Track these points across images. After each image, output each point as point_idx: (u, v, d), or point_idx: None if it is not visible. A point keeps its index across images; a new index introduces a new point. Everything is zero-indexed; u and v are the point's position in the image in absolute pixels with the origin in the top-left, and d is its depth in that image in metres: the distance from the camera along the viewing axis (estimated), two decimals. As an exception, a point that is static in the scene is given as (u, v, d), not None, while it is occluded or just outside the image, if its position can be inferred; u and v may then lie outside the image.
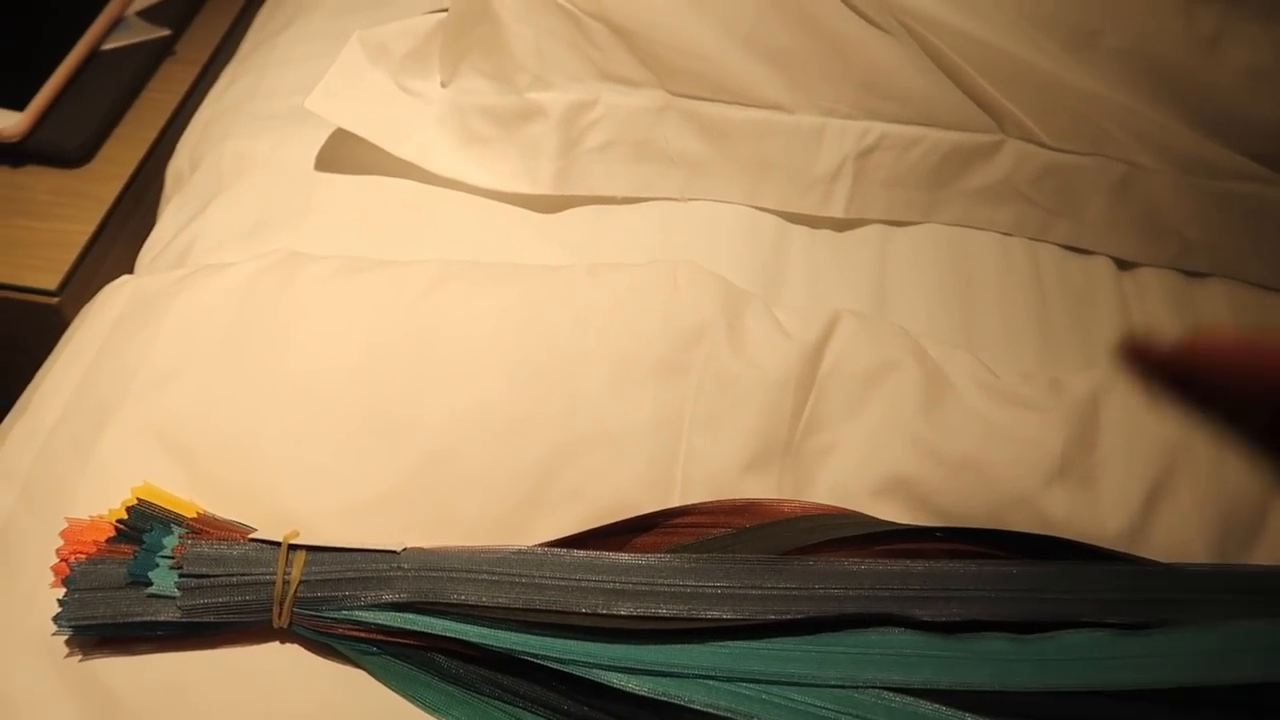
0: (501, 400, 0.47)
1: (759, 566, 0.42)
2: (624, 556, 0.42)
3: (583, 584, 0.41)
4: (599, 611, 0.40)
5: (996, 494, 0.46)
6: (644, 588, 0.41)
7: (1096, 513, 0.45)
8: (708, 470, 0.46)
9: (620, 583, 0.41)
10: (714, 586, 0.41)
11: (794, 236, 0.62)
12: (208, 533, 0.41)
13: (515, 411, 0.47)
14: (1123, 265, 0.63)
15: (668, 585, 0.41)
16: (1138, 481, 0.46)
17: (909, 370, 0.49)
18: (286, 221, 0.60)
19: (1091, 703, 0.40)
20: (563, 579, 0.41)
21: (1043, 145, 0.62)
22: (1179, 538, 0.46)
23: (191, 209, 0.64)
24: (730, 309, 0.50)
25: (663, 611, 0.40)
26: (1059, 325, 0.59)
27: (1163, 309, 0.61)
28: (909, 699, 0.39)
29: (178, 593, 0.39)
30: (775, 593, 0.41)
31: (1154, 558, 0.45)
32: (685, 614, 0.41)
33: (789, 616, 0.41)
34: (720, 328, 0.49)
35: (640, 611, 0.40)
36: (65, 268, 0.69)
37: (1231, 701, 0.40)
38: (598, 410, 0.47)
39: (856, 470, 0.47)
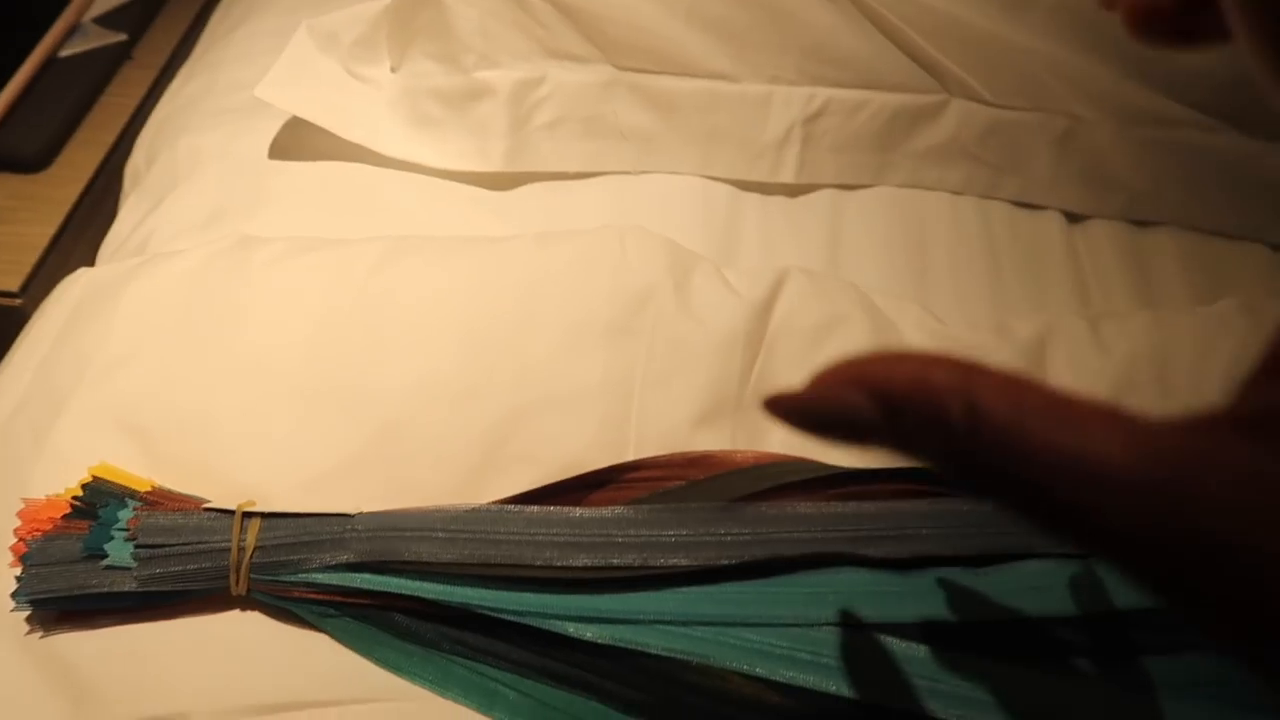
0: (453, 368, 0.47)
1: (712, 514, 0.42)
2: (578, 510, 0.42)
3: (537, 538, 0.41)
4: (554, 564, 0.41)
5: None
6: (599, 539, 0.42)
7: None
8: (660, 429, 0.47)
9: (575, 535, 0.42)
10: (668, 535, 0.42)
11: (747, 204, 0.63)
12: (162, 504, 0.42)
13: (467, 379, 0.47)
14: (1073, 218, 0.64)
15: (622, 536, 0.42)
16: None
17: (858, 322, 0.50)
18: (242, 210, 0.61)
19: (1049, 630, 0.41)
20: (517, 534, 0.41)
21: (986, 103, 0.63)
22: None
23: (148, 204, 0.64)
24: (678, 270, 0.51)
25: (617, 561, 0.41)
26: (1011, 280, 0.60)
27: (1113, 259, 0.62)
28: (862, 634, 0.40)
29: (133, 564, 0.40)
30: (729, 539, 0.42)
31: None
32: (640, 563, 0.41)
33: (743, 560, 0.41)
34: (668, 288, 0.50)
35: (596, 562, 0.41)
36: (26, 269, 0.69)
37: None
38: (549, 375, 0.47)
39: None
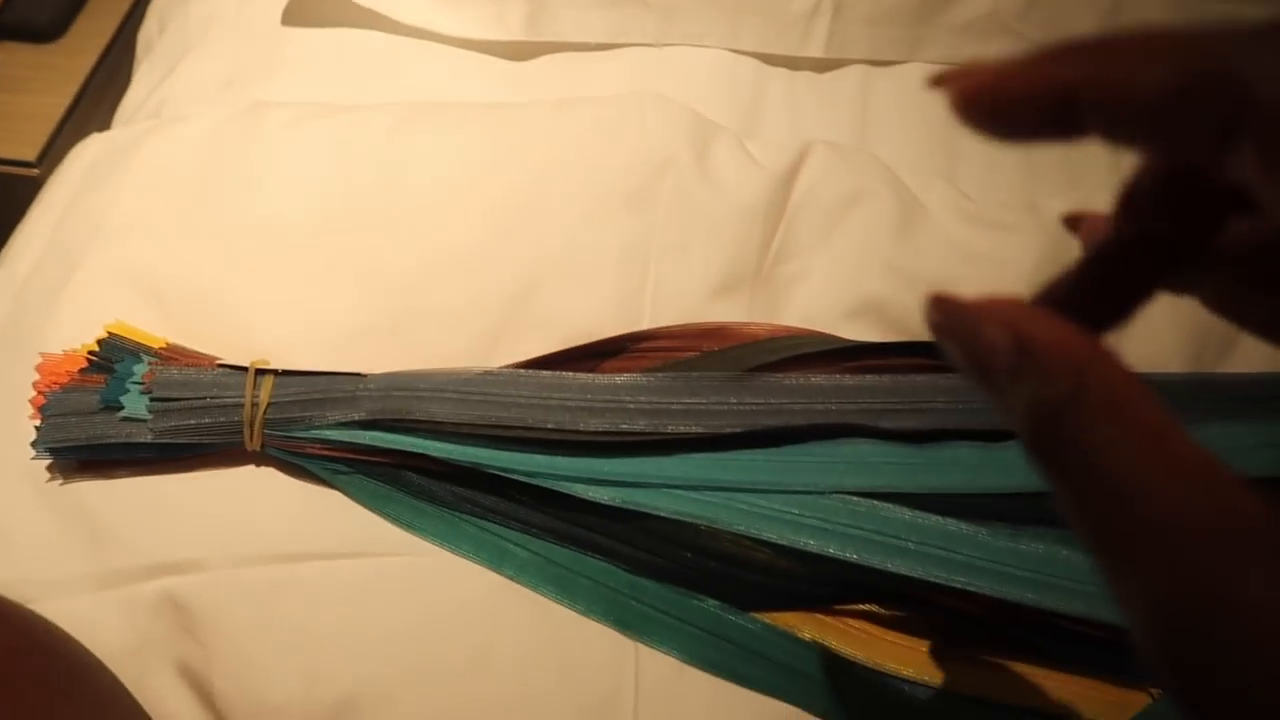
0: (469, 235, 0.47)
1: (725, 383, 0.42)
2: (591, 376, 0.42)
3: (549, 402, 0.41)
4: (566, 427, 0.41)
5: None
6: (611, 405, 0.41)
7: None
8: (676, 298, 0.46)
9: (587, 401, 0.42)
10: (680, 403, 0.42)
11: (773, 80, 0.61)
12: (176, 360, 0.42)
13: (483, 246, 0.46)
14: (1113, 100, 0.61)
15: (634, 402, 0.42)
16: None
17: (883, 197, 0.48)
18: (255, 77, 0.60)
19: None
20: (529, 397, 0.41)
21: (1029, -26, 0.60)
22: (1154, 350, 0.45)
23: (161, 71, 0.63)
24: (699, 139, 0.49)
25: (627, 427, 0.41)
26: (1045, 160, 0.58)
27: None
28: (873, 502, 0.40)
29: (149, 416, 0.40)
30: (740, 407, 0.42)
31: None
32: (651, 429, 0.41)
33: (753, 429, 0.41)
34: (688, 158, 0.48)
35: (607, 427, 0.41)
36: (43, 139, 0.69)
37: None
38: (565, 242, 0.47)
39: (827, 295, 0.47)
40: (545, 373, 0.42)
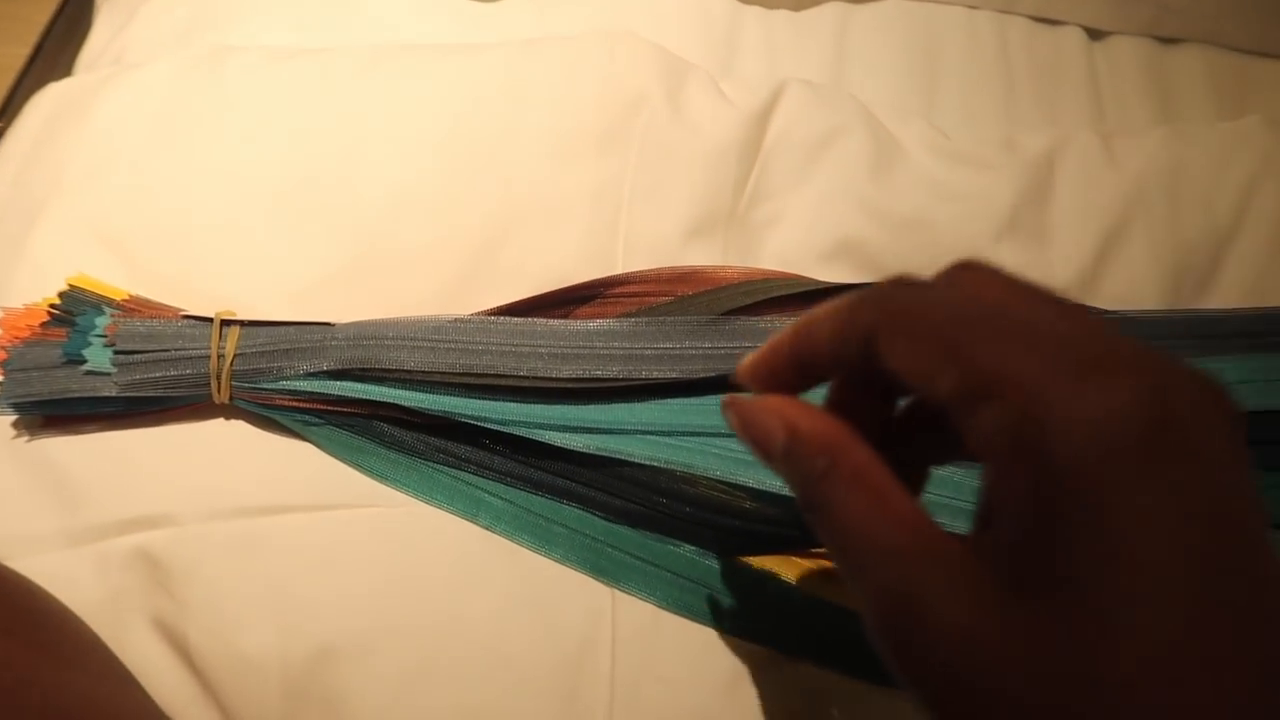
0: (438, 179, 0.46)
1: (699, 327, 0.42)
2: (564, 322, 0.42)
3: (521, 349, 0.41)
4: (539, 374, 0.40)
5: (945, 251, 0.45)
6: (584, 351, 0.41)
7: (1046, 265, 0.45)
8: (649, 242, 0.45)
9: (560, 347, 0.41)
10: (654, 348, 0.41)
11: (748, 18, 0.60)
12: (140, 312, 0.41)
13: (452, 189, 0.46)
14: (1094, 35, 0.60)
15: (607, 348, 0.41)
16: (1090, 234, 0.45)
17: (858, 136, 0.47)
18: (216, 22, 0.58)
19: None
20: (501, 344, 0.41)
21: (1011, -95, 0.58)
22: (1131, 287, 0.45)
23: (121, 18, 0.62)
24: (670, 78, 0.48)
25: (601, 373, 0.40)
26: (1024, 98, 0.57)
27: (1134, 78, 0.58)
28: None
29: (113, 369, 0.39)
30: (715, 351, 0.41)
31: (1105, 307, 0.44)
32: (625, 374, 0.40)
33: (726, 373, 0.41)
34: (659, 97, 0.47)
35: (580, 374, 0.40)
36: (3, 92, 0.67)
37: None
38: (536, 185, 0.46)
39: (803, 236, 0.46)
40: (517, 320, 0.42)
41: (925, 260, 0.45)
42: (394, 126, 0.47)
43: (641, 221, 0.45)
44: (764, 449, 0.26)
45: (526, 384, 0.40)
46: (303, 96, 0.48)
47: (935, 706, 0.21)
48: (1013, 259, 0.45)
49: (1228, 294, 0.45)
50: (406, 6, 0.58)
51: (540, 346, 0.41)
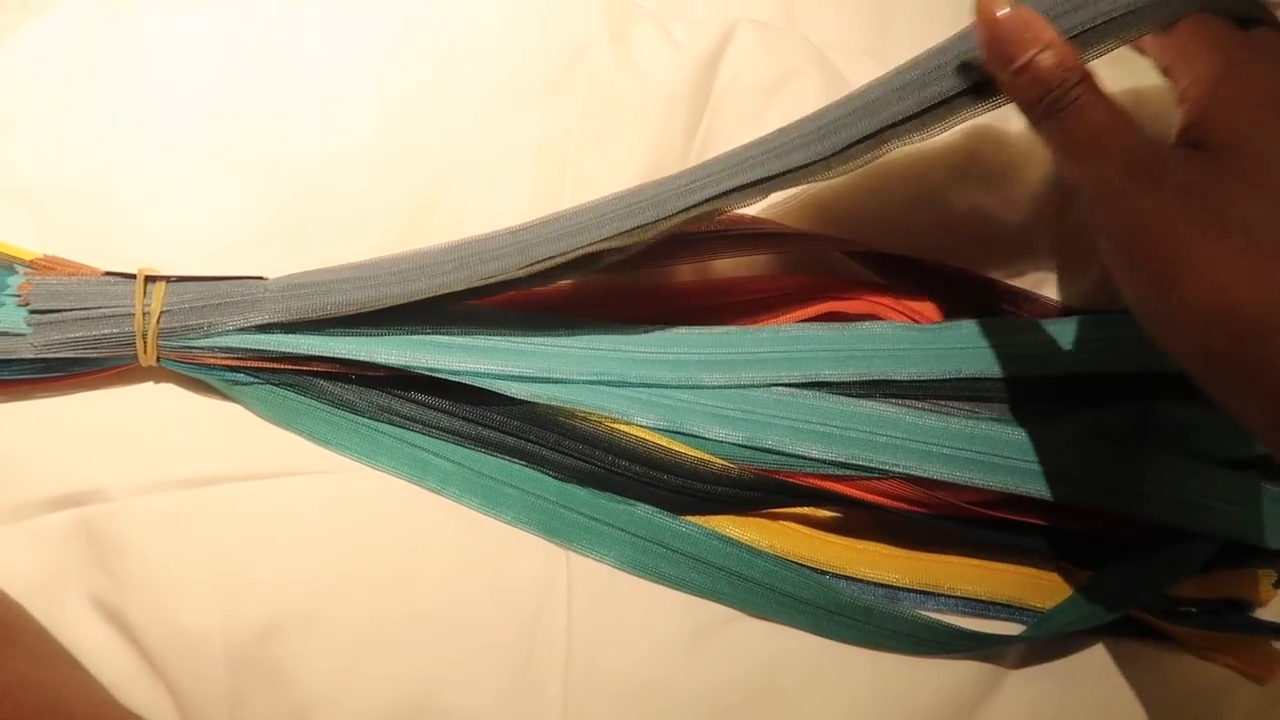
0: (374, 129, 0.44)
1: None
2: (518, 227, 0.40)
3: (469, 259, 0.38)
4: (493, 279, 0.38)
5: (899, 195, 0.44)
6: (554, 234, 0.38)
7: (1004, 206, 0.44)
8: (598, 193, 0.43)
9: (511, 242, 0.39)
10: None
11: (696, -41, 0.58)
12: (56, 270, 0.39)
13: (389, 141, 0.43)
14: (1047, -25, 0.59)
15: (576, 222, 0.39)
16: (1048, 177, 0.45)
17: (810, 78, 0.46)
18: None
19: (1000, 387, 0.40)
20: (444, 259, 0.39)
21: None
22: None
23: (28, -42, 0.58)
24: (615, 21, 0.46)
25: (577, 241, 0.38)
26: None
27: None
28: (796, 390, 0.39)
29: (28, 329, 0.37)
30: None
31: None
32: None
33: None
34: (605, 41, 0.45)
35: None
36: (-98, 41, 0.62)
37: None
38: (476, 136, 0.44)
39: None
40: (452, 240, 0.39)
41: (877, 204, 0.44)
42: (326, 73, 0.44)
43: (590, 173, 0.44)
44: (1016, 48, 0.30)
45: (466, 284, 0.37)
46: (223, 40, 0.45)
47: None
48: (968, 200, 0.44)
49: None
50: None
51: (489, 247, 0.38)
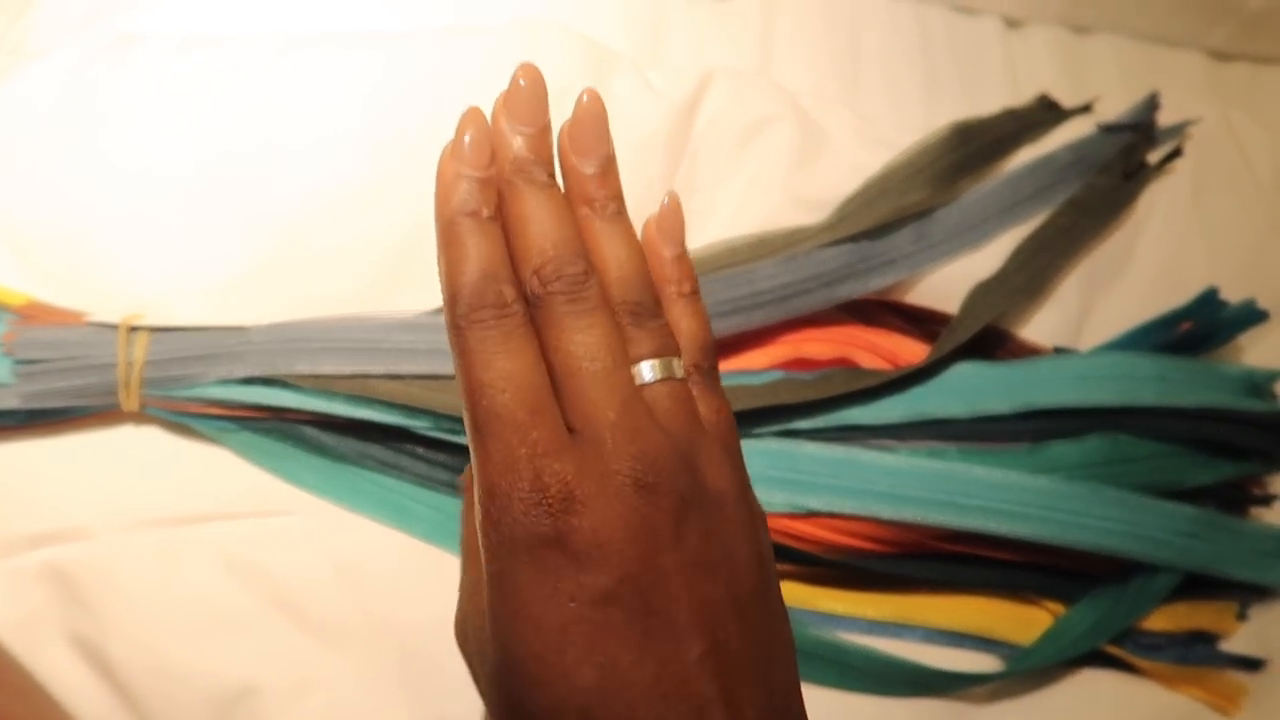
0: (358, 173, 0.44)
1: None
2: None
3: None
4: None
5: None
6: None
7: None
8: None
9: None
10: None
11: (673, 6, 0.59)
12: (40, 319, 0.39)
13: (371, 185, 0.44)
14: (1011, 24, 0.61)
15: None
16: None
17: (785, 124, 0.48)
18: (123, 6, 0.55)
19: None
20: (430, 342, 0.40)
21: (928, -106, 0.59)
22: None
23: (19, 3, 0.58)
24: (596, 70, 0.47)
25: None
26: (945, 85, 0.58)
27: (1049, 66, 0.60)
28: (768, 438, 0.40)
29: (14, 380, 0.37)
30: None
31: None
32: None
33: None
34: (584, 87, 0.46)
35: None
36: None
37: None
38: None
39: (733, 228, 0.46)
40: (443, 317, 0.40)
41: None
42: (310, 119, 0.45)
43: (569, 216, 0.44)
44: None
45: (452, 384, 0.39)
46: (214, 87, 0.46)
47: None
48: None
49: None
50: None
51: None
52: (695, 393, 0.27)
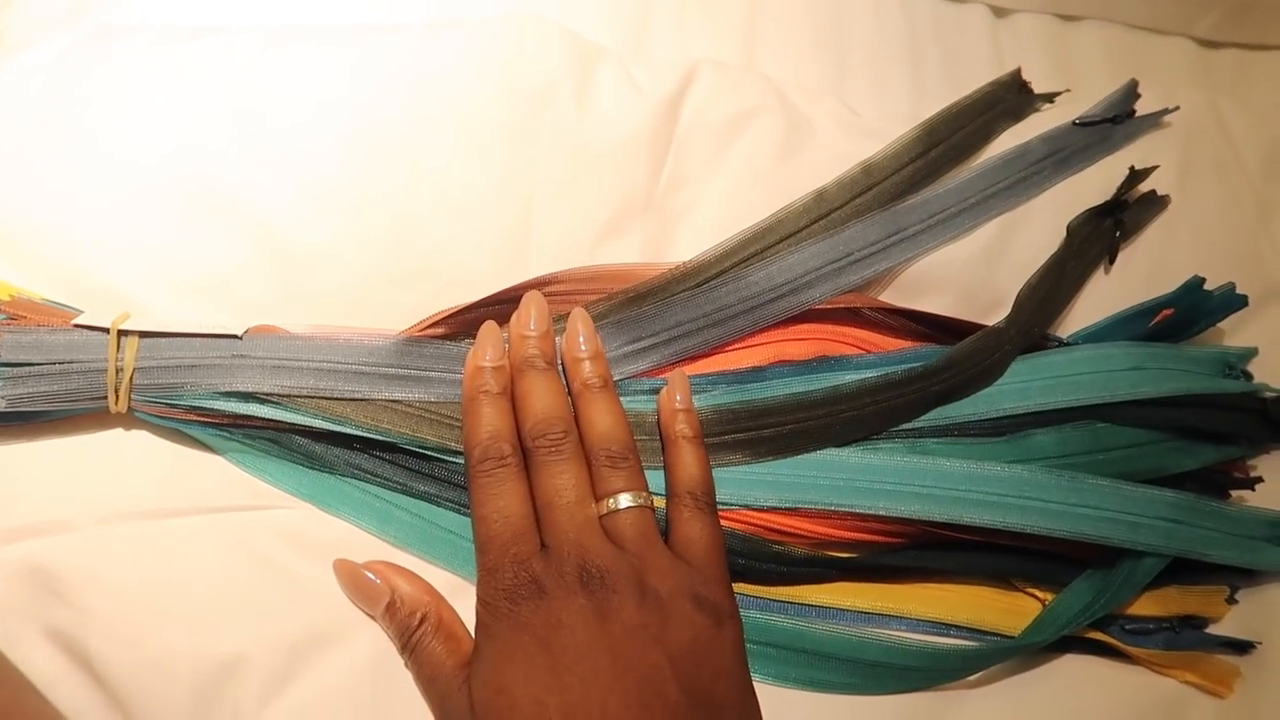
0: (342, 171, 0.44)
1: (613, 331, 0.41)
2: None
3: (447, 376, 0.40)
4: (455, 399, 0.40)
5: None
6: None
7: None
8: (563, 236, 0.45)
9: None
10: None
11: (658, -3, 0.59)
12: (26, 318, 0.39)
13: (357, 182, 0.44)
14: (998, 13, 0.61)
15: None
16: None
17: (771, 116, 0.48)
18: (106, 1, 0.55)
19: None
20: (421, 370, 0.40)
21: (915, -118, 0.58)
22: (1030, 256, 0.46)
23: (-1, -3, 0.58)
24: (580, 66, 0.47)
25: None
26: (932, 75, 0.58)
27: (1036, 54, 0.59)
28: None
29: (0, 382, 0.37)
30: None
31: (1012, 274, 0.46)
32: None
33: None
34: (569, 86, 0.46)
35: None
36: None
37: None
38: (442, 180, 0.44)
39: (720, 222, 0.46)
40: (438, 343, 0.41)
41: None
42: (295, 114, 0.45)
43: (554, 216, 0.44)
44: (370, 604, 0.37)
45: (447, 419, 0.39)
46: (196, 80, 0.46)
47: None
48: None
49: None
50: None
51: (458, 370, 0.40)
52: (686, 515, 0.37)
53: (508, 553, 0.34)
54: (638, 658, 0.32)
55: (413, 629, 0.36)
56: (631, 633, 0.33)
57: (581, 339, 0.39)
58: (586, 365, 0.39)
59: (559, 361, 0.39)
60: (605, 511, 0.36)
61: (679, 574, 0.35)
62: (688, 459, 0.38)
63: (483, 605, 0.34)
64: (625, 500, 0.36)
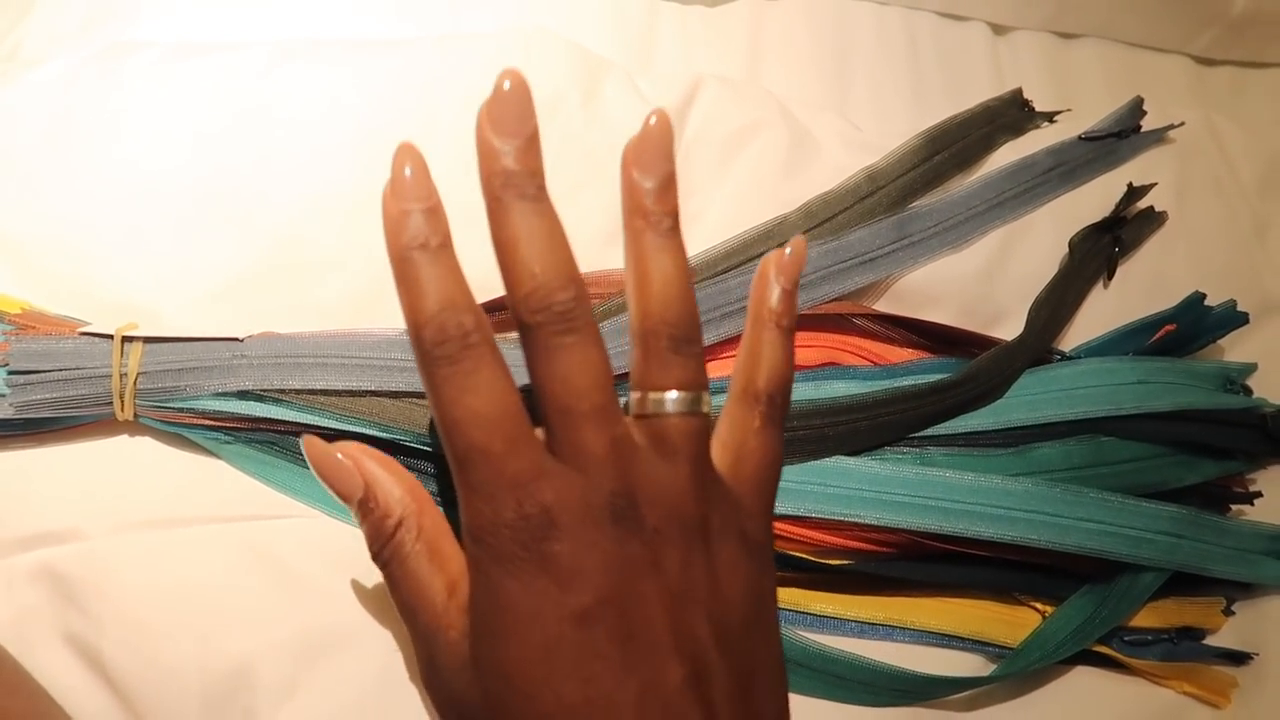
0: (351, 179, 0.45)
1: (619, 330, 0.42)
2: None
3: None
4: None
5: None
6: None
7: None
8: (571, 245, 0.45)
9: None
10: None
11: (663, 14, 0.60)
12: (35, 328, 0.39)
13: (364, 192, 0.45)
14: (998, 30, 0.62)
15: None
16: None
17: (775, 130, 0.48)
18: (117, 15, 0.55)
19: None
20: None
21: (915, -99, 0.59)
22: (1031, 270, 0.47)
23: (14, 11, 0.58)
24: (587, 77, 0.48)
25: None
26: (933, 91, 0.59)
27: (1035, 71, 0.60)
28: None
29: (7, 390, 0.38)
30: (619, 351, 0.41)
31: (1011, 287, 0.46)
32: None
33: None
34: (576, 98, 0.47)
35: None
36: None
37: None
38: (450, 187, 0.44)
39: (723, 233, 0.46)
40: None
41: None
42: (305, 125, 0.46)
43: (561, 222, 0.45)
44: (342, 492, 0.29)
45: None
46: (207, 93, 0.46)
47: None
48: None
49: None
50: (314, -1, 0.56)
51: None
52: (755, 424, 0.28)
53: (502, 474, 0.24)
54: (687, 633, 0.24)
55: (387, 535, 0.28)
56: (679, 597, 0.24)
57: (655, 158, 0.28)
58: (651, 195, 0.28)
59: None
60: (647, 411, 0.26)
61: (728, 507, 0.26)
62: (775, 350, 0.28)
63: (474, 542, 0.25)
64: (678, 402, 0.25)
